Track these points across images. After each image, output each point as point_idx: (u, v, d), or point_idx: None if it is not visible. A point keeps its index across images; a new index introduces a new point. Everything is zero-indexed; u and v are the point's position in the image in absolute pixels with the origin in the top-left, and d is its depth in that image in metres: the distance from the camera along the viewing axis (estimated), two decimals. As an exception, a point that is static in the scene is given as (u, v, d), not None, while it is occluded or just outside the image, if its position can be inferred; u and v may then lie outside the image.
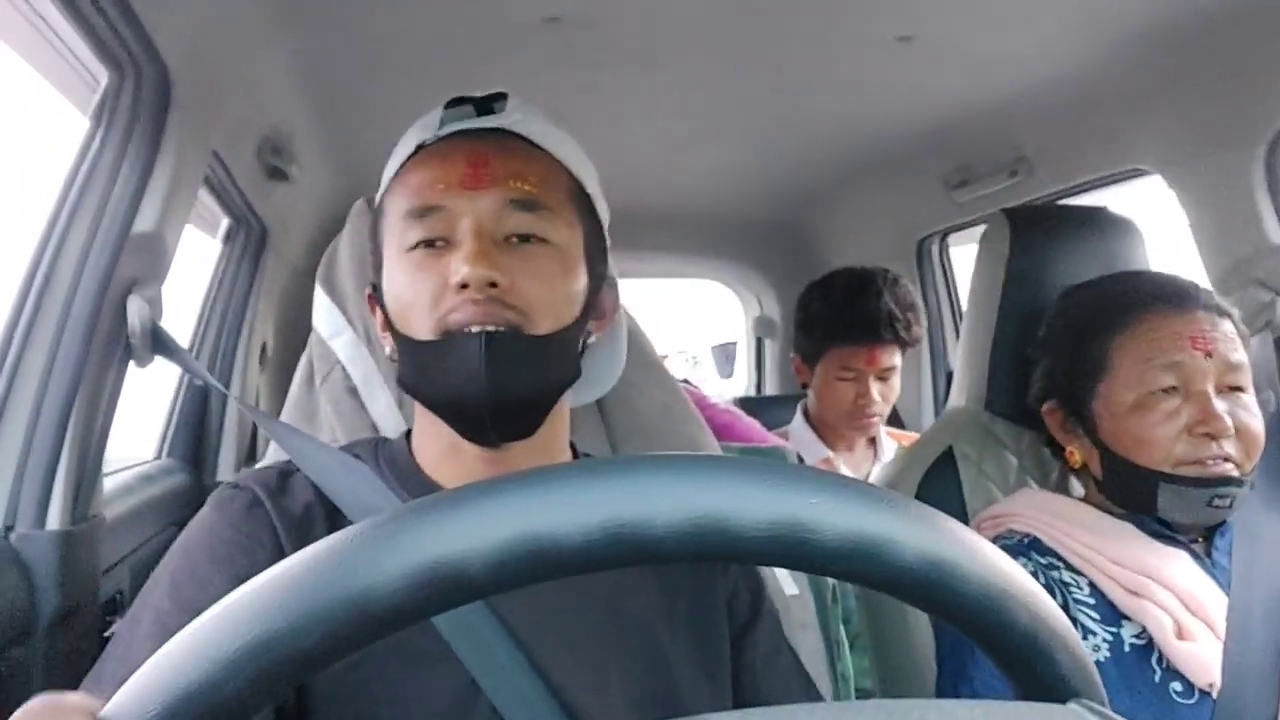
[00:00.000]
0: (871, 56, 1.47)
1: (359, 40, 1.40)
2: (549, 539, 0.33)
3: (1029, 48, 1.45)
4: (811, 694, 0.83)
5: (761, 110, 1.79)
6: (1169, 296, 1.04)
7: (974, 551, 0.37)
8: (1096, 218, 1.32)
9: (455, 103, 0.80)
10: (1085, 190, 1.81)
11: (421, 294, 0.73)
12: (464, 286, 0.71)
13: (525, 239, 0.75)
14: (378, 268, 0.81)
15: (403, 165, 0.79)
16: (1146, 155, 1.59)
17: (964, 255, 2.44)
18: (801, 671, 0.85)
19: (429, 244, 0.74)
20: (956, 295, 2.49)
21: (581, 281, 0.78)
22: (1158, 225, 1.48)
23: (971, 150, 1.96)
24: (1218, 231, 1.46)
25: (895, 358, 1.85)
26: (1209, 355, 1.00)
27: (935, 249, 2.46)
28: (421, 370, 0.75)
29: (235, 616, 0.32)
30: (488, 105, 0.80)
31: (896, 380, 1.88)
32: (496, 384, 0.71)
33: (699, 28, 1.37)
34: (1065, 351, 1.11)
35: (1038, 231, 1.30)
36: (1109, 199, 1.78)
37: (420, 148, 0.79)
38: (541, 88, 1.02)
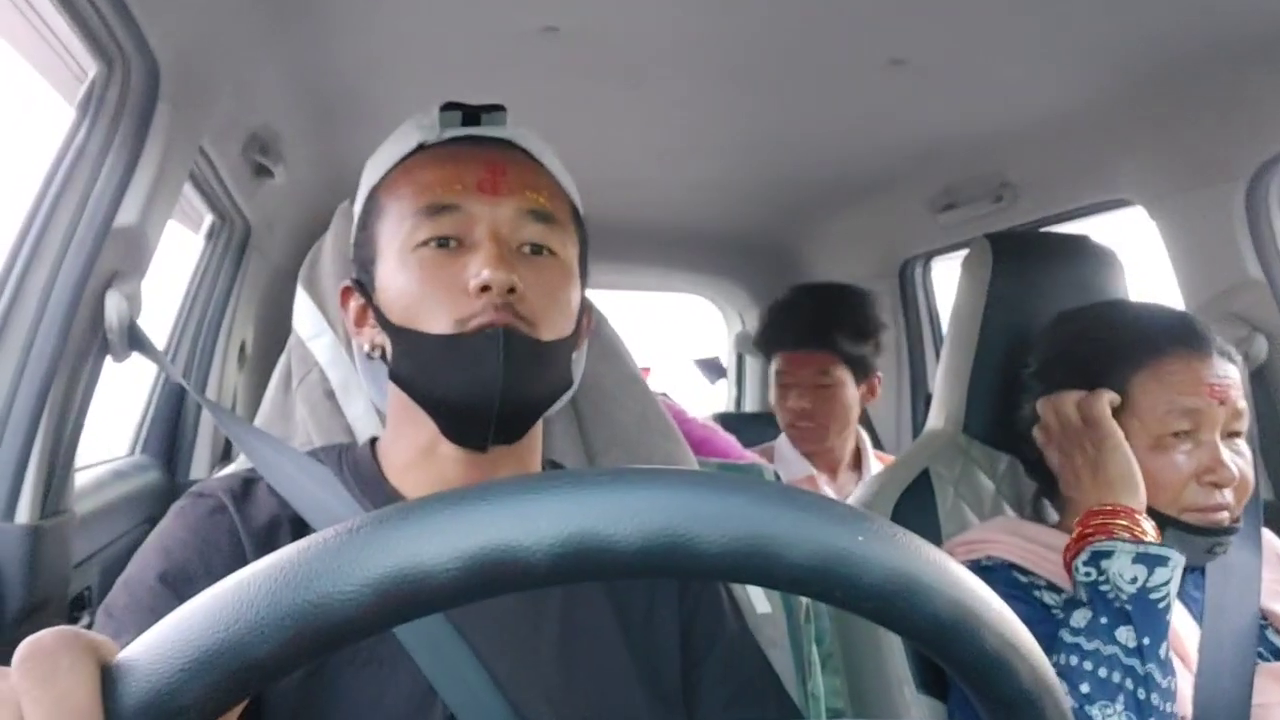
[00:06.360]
0: (864, 78, 1.48)
1: (354, 43, 1.39)
2: (509, 552, 0.33)
3: (1019, 77, 1.46)
4: (783, 700, 0.81)
5: (752, 127, 1.80)
6: (1188, 338, 1.03)
7: (941, 570, 0.36)
8: (1079, 246, 1.33)
9: (450, 107, 0.80)
10: (1068, 219, 1.83)
11: (436, 292, 0.73)
12: (485, 289, 0.71)
13: (537, 250, 0.76)
14: (366, 262, 0.80)
15: (402, 161, 0.80)
16: (1130, 187, 1.61)
17: (948, 273, 2.45)
18: (771, 679, 0.82)
19: (440, 242, 0.75)
20: (938, 318, 2.50)
21: (577, 296, 0.80)
22: (1137, 254, 1.49)
23: (958, 175, 1.97)
24: (1198, 264, 1.48)
25: (832, 369, 1.84)
26: (1222, 403, 0.99)
27: (918, 271, 2.48)
28: (429, 364, 0.74)
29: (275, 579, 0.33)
30: (478, 114, 0.80)
31: (844, 395, 1.86)
32: (509, 383, 0.72)
33: (694, 44, 1.37)
34: (1076, 379, 1.07)
35: (1020, 257, 1.30)
36: (1091, 228, 1.80)
37: (421, 147, 0.79)
38: (535, 96, 1.02)
